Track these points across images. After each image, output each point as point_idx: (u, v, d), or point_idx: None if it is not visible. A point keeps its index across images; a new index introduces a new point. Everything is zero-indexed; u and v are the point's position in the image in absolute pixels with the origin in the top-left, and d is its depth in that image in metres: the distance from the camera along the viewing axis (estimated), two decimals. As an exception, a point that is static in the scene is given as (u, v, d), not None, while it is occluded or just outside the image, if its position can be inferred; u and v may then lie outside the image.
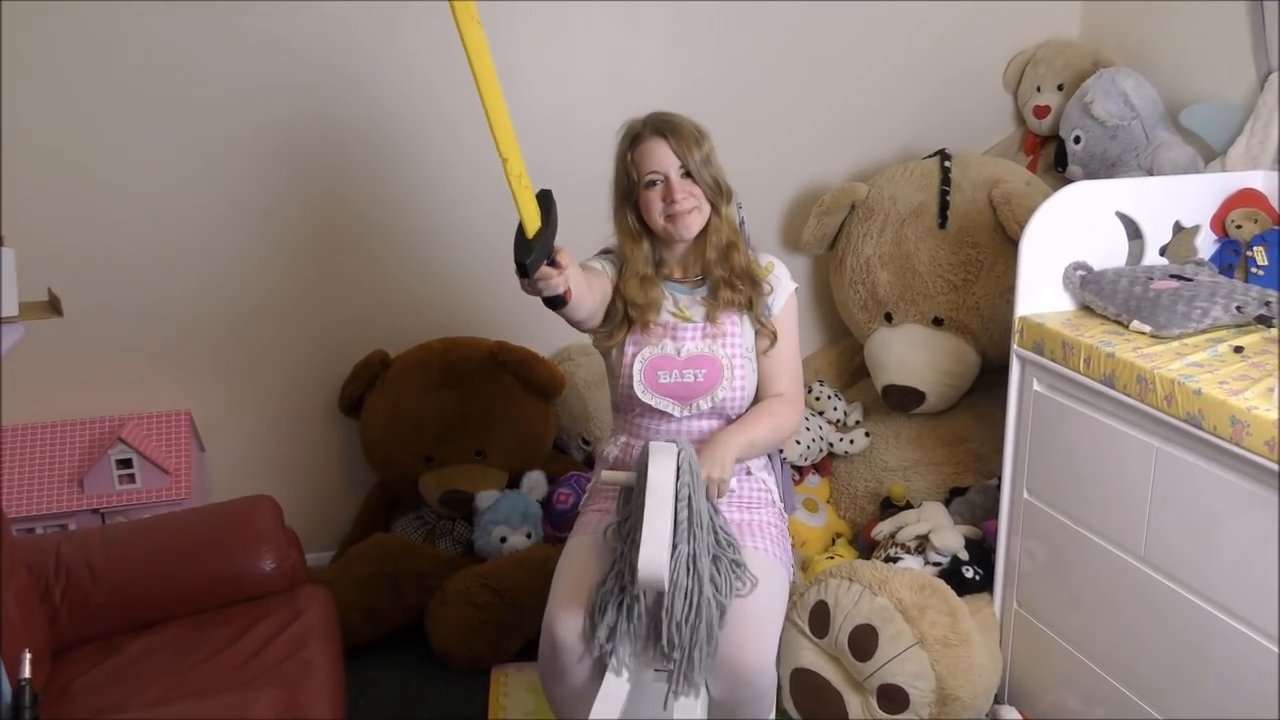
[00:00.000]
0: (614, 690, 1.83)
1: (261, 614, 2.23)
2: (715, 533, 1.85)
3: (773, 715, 1.96)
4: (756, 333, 2.05)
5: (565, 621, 1.87)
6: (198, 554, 2.31)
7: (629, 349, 2.02)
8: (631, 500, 1.86)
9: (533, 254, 1.60)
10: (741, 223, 2.12)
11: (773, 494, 2.12)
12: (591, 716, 1.79)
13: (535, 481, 2.97)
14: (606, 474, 1.98)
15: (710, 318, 2.02)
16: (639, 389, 2.00)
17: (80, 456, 2.77)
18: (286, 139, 2.87)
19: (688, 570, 1.79)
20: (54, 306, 1.90)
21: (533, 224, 1.61)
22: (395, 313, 3.06)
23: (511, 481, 3.00)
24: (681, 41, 3.06)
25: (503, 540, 2.85)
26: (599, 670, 1.86)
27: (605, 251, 2.11)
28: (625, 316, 2.02)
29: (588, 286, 1.88)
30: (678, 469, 1.79)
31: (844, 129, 3.26)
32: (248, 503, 2.44)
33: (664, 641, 1.80)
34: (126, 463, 2.73)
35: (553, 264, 1.66)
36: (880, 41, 3.19)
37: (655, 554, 1.72)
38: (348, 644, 2.37)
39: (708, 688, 1.84)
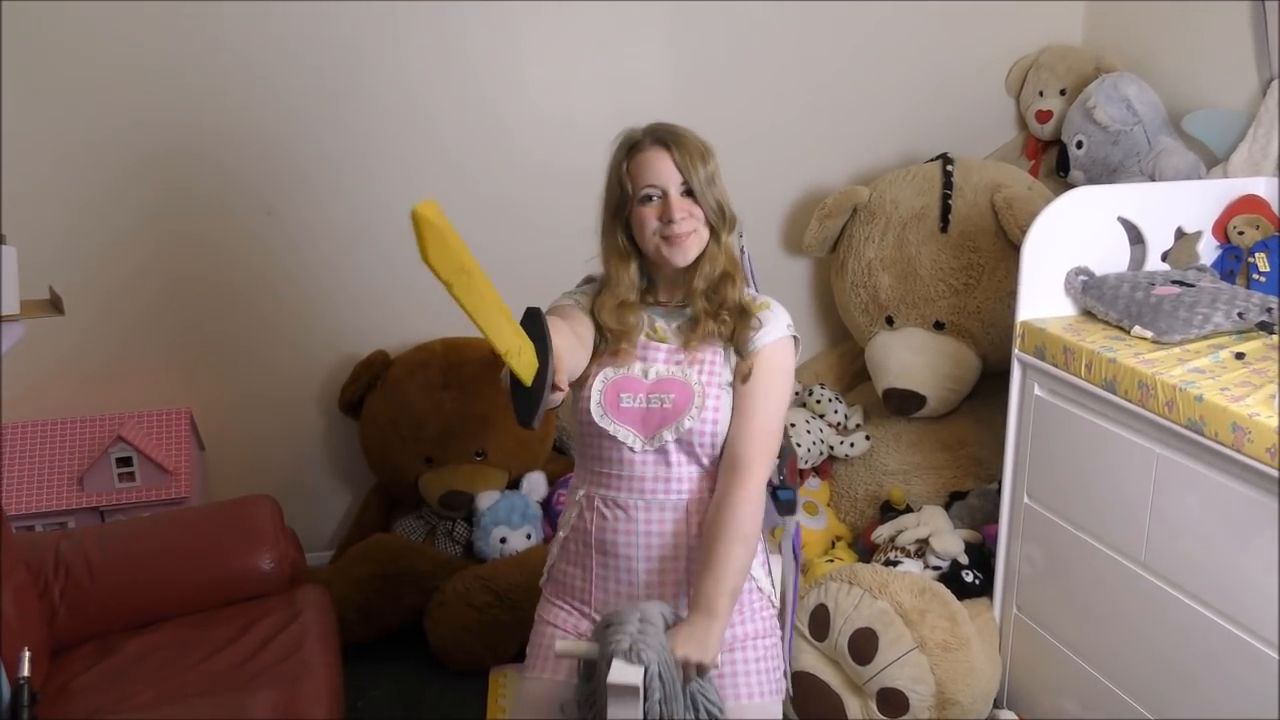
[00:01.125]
0: None
1: (260, 614, 2.24)
2: (696, 710, 1.58)
3: None
4: (736, 364, 1.76)
5: None
6: (197, 553, 2.31)
7: (591, 369, 1.77)
8: (593, 680, 1.59)
9: (538, 406, 1.42)
10: (743, 252, 1.88)
11: (758, 581, 1.82)
12: None
13: (535, 482, 2.97)
14: (562, 644, 1.64)
15: (685, 344, 1.77)
16: (597, 413, 1.74)
17: (80, 455, 2.76)
18: (288, 141, 2.86)
19: None
20: (55, 305, 1.90)
21: (530, 370, 1.42)
22: (396, 313, 3.06)
23: (512, 482, 3.00)
24: (683, 43, 3.06)
25: (502, 541, 2.85)
26: None
27: (588, 280, 1.88)
28: (601, 344, 1.78)
29: (572, 348, 1.64)
30: (645, 690, 1.50)
31: (846, 132, 3.26)
32: (247, 502, 2.45)
33: None
34: (126, 461, 2.72)
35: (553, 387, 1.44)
36: (883, 45, 3.19)
37: None
38: (346, 644, 2.37)
39: None
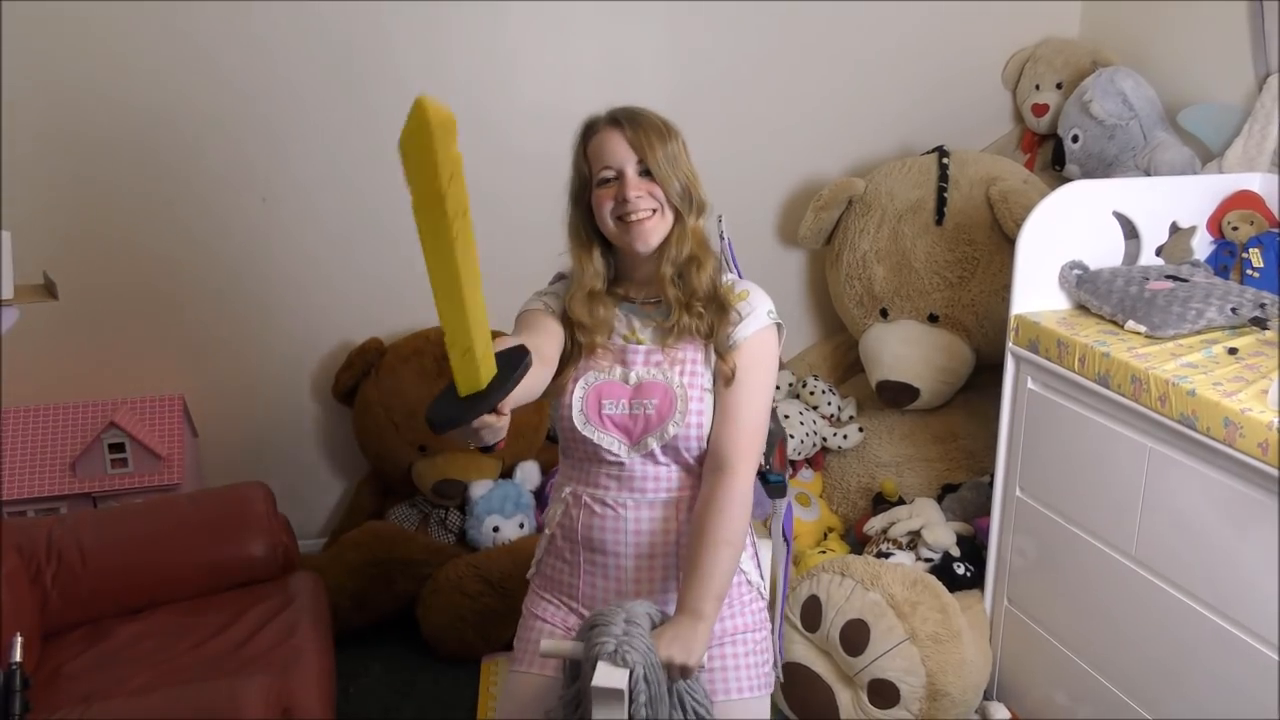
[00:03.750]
0: None
1: (253, 600, 2.24)
2: (683, 710, 1.55)
3: None
4: (716, 365, 1.69)
5: None
6: (189, 539, 2.31)
7: (570, 374, 1.71)
8: (578, 681, 1.56)
9: (456, 424, 1.29)
10: (722, 238, 1.84)
11: (747, 574, 1.78)
12: None
13: (529, 471, 2.98)
14: (547, 644, 1.59)
15: (661, 342, 1.70)
16: (579, 421, 1.68)
17: (73, 440, 2.76)
18: (283, 129, 2.86)
19: None
20: (49, 290, 1.90)
21: (470, 384, 1.28)
22: (391, 301, 3.06)
23: (505, 471, 3.00)
24: (680, 34, 3.05)
25: (495, 530, 2.85)
26: None
27: (559, 277, 1.83)
28: (575, 343, 1.71)
29: (533, 374, 1.45)
30: (631, 693, 1.48)
31: (842, 124, 3.26)
32: (240, 489, 2.45)
33: None
34: (119, 447, 2.72)
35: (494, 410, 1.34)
36: (880, 37, 3.19)
37: None
38: (338, 631, 2.38)
39: None
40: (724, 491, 1.63)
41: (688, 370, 1.69)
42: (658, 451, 1.68)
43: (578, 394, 1.69)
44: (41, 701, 1.88)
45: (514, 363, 1.32)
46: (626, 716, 1.47)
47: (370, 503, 3.10)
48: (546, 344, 1.64)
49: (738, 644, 1.76)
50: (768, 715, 1.77)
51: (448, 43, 2.91)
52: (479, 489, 2.89)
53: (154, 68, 2.73)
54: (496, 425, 1.35)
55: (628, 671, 1.47)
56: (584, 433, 1.68)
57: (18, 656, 1.68)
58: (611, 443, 1.68)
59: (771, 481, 1.88)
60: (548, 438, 3.16)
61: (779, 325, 1.73)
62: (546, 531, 1.82)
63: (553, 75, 3.00)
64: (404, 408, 2.90)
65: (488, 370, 1.28)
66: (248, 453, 3.07)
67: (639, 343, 1.72)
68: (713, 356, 1.69)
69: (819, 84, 3.19)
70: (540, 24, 2.95)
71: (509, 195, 2.99)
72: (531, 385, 1.50)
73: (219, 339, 2.98)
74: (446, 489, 2.92)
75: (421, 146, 1.07)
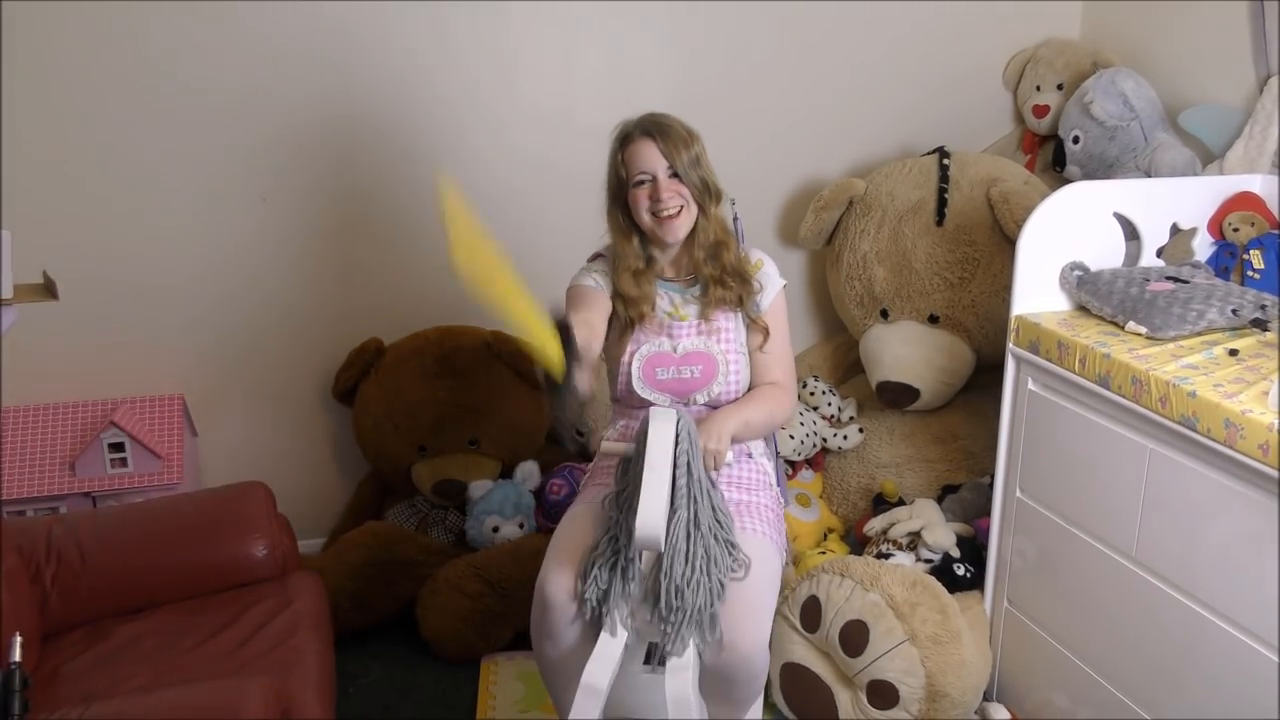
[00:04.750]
0: (608, 650, 1.83)
1: (252, 600, 2.23)
2: (712, 508, 1.86)
3: (762, 696, 1.99)
4: (749, 329, 2.10)
5: (557, 581, 1.89)
6: (189, 539, 2.31)
7: (628, 347, 2.07)
8: (630, 470, 1.87)
9: (567, 394, 1.71)
10: (735, 219, 2.17)
11: (770, 478, 2.15)
12: (584, 677, 1.81)
13: (529, 472, 2.97)
14: (606, 444, 2.03)
15: (704, 315, 2.08)
16: (638, 385, 2.05)
17: (72, 439, 2.76)
18: (284, 129, 2.86)
19: (686, 534, 1.80)
20: (49, 289, 1.90)
21: (555, 363, 1.63)
22: (391, 301, 3.06)
23: (505, 472, 3.00)
24: (681, 36, 3.05)
25: (495, 530, 2.85)
26: (591, 633, 1.88)
27: (597, 256, 2.18)
28: (628, 318, 2.07)
29: (592, 329, 1.94)
30: (676, 436, 1.80)
31: (843, 125, 3.26)
32: (240, 488, 2.44)
33: (662, 604, 1.81)
34: (119, 446, 2.72)
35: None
36: (881, 38, 3.18)
37: (653, 514, 1.72)
38: (338, 631, 2.37)
39: (700, 656, 1.85)
40: (772, 387, 2.09)
41: (724, 338, 2.07)
42: (702, 406, 2.07)
43: (635, 365, 2.06)
44: (41, 701, 1.88)
45: (561, 331, 1.65)
46: (674, 433, 1.79)
47: (370, 503, 3.10)
48: (597, 317, 2.02)
49: (753, 513, 2.04)
50: (780, 574, 2.03)
51: (451, 43, 2.90)
52: (478, 489, 2.89)
53: (152, 71, 2.73)
54: (590, 358, 1.80)
55: (677, 415, 1.82)
56: (641, 394, 2.06)
57: (17, 656, 1.68)
58: (664, 400, 2.06)
59: None
60: (548, 438, 3.16)
61: (784, 284, 2.17)
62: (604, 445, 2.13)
63: (555, 76, 3.00)
64: (403, 408, 2.90)
65: (554, 350, 1.61)
66: (247, 452, 3.06)
67: (682, 319, 2.08)
68: (744, 322, 2.09)
69: (820, 84, 3.19)
70: (543, 25, 2.95)
71: (511, 193, 3.00)
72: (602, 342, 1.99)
73: (219, 339, 2.97)
74: (446, 489, 2.92)
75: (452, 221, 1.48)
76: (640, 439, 1.84)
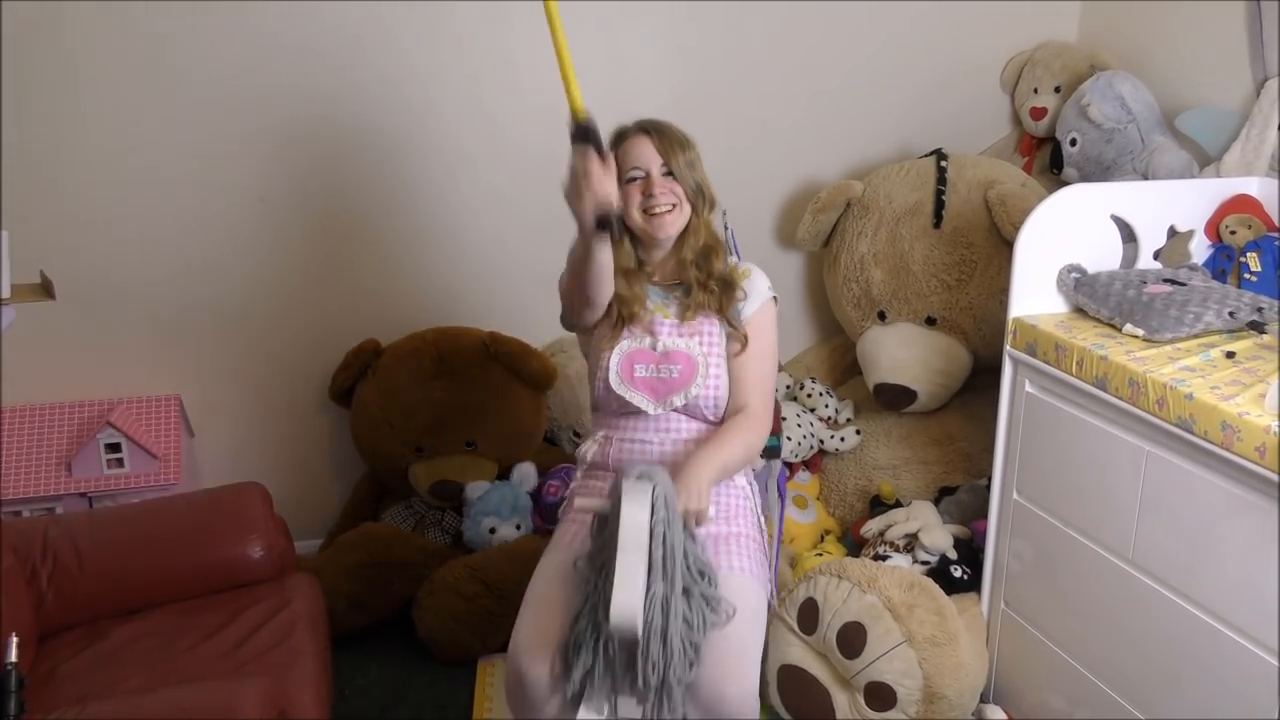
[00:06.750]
0: None
1: (249, 601, 2.23)
2: (689, 567, 1.78)
3: None
4: (729, 337, 2.04)
5: (534, 662, 1.83)
6: (185, 540, 2.30)
7: (608, 343, 2.03)
8: (605, 529, 1.79)
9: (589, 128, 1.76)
10: (726, 228, 2.16)
11: (751, 501, 2.10)
12: None
13: (526, 473, 2.97)
14: (580, 501, 1.92)
15: (683, 317, 2.03)
16: (614, 382, 2.00)
17: (69, 440, 2.76)
18: (281, 129, 2.85)
19: (662, 611, 1.73)
20: (46, 289, 1.89)
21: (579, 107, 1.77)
22: (388, 302, 3.05)
23: (502, 473, 3.00)
24: (680, 38, 3.05)
25: (492, 531, 2.85)
26: (571, 704, 1.82)
27: None
28: (619, 316, 2.03)
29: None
30: (652, 506, 1.72)
31: (841, 127, 3.26)
32: (237, 489, 2.44)
33: (640, 683, 1.75)
34: (115, 447, 2.72)
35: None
36: (878, 40, 3.19)
37: (629, 601, 1.66)
38: (335, 633, 2.36)
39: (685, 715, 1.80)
40: (741, 417, 2.00)
41: (706, 341, 2.02)
42: (680, 409, 2.01)
43: (614, 359, 2.01)
44: (37, 702, 1.87)
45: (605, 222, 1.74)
46: (650, 506, 1.71)
47: (367, 504, 3.10)
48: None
49: (734, 547, 1.99)
50: (765, 611, 1.97)
51: (450, 44, 2.90)
52: (475, 491, 2.89)
53: (153, 68, 2.73)
54: (604, 174, 1.73)
55: (651, 485, 1.73)
56: (618, 391, 2.00)
57: (13, 657, 1.67)
58: (641, 400, 2.00)
59: (767, 445, 2.11)
60: (545, 439, 3.16)
61: (775, 298, 2.09)
62: (584, 462, 2.12)
63: (554, 75, 2.99)
64: (400, 409, 2.90)
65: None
66: (244, 453, 3.06)
67: (665, 317, 2.04)
68: (725, 329, 2.03)
69: (817, 86, 3.19)
70: (542, 25, 2.94)
71: (512, 192, 3.00)
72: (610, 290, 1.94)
73: (215, 339, 2.97)
74: (443, 490, 2.91)
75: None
76: (614, 498, 1.76)
